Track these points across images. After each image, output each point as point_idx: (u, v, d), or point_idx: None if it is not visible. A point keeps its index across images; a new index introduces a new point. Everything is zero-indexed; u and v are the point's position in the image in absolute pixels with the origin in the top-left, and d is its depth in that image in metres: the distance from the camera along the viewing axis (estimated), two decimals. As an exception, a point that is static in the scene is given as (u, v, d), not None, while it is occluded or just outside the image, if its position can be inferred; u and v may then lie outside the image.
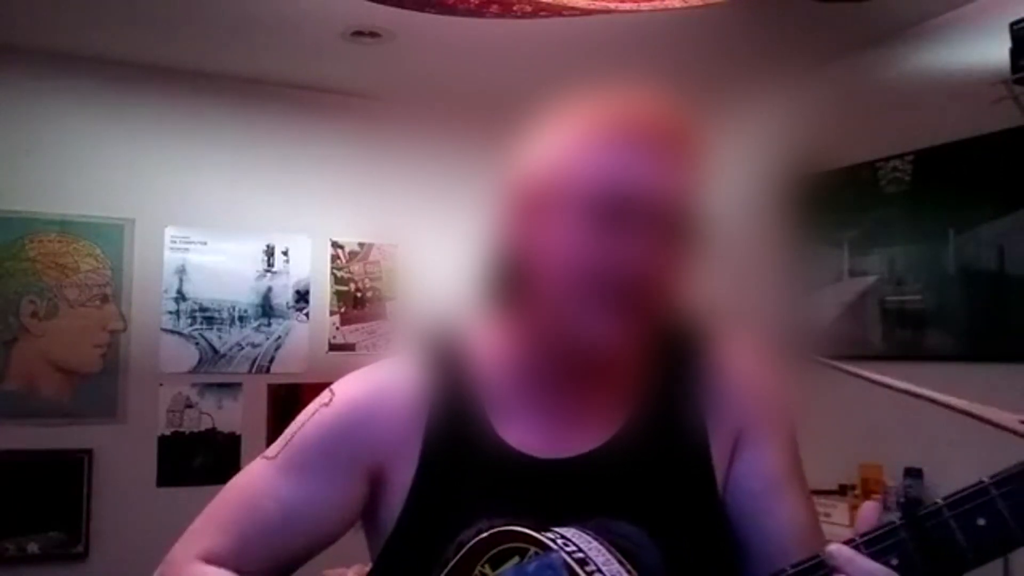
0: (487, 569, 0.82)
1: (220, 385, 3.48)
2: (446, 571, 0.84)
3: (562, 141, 0.91)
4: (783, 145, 3.36)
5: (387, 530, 0.92)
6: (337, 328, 3.71)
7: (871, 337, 3.01)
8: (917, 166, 2.92)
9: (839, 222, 3.14)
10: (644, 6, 2.44)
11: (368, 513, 0.94)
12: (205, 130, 3.54)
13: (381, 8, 2.61)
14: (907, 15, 2.89)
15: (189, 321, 3.44)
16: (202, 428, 3.43)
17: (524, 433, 0.92)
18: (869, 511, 0.77)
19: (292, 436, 0.95)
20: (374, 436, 0.92)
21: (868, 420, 2.77)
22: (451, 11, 2.52)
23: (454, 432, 0.92)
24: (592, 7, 2.40)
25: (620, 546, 0.83)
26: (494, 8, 2.44)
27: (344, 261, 3.76)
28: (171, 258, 3.44)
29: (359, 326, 3.75)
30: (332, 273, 3.73)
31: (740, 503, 0.92)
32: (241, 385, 3.51)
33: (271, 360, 3.57)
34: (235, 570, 0.90)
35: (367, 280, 3.79)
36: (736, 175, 3.31)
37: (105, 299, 3.30)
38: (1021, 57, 2.46)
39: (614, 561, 0.81)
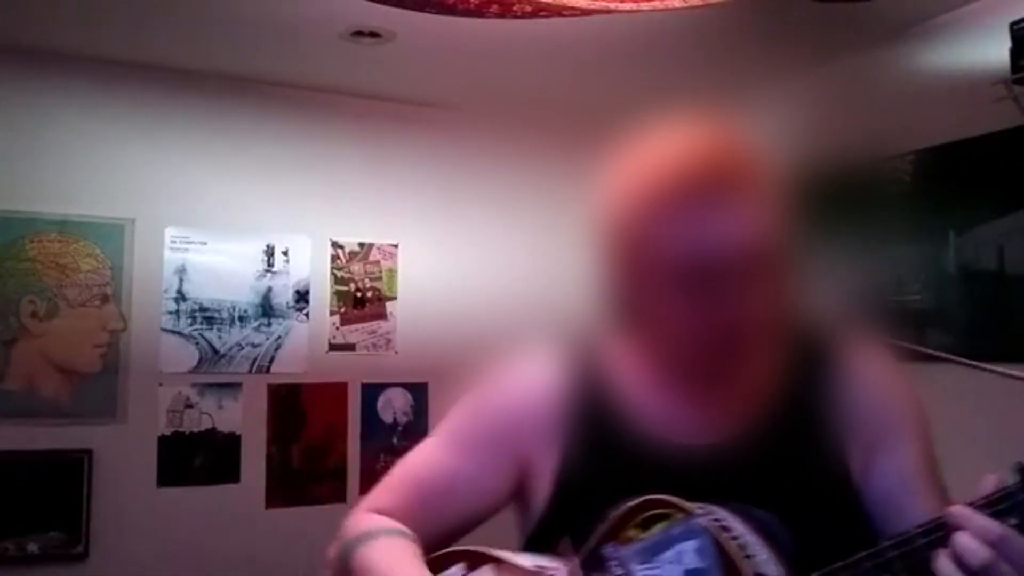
0: (637, 532, 0.89)
1: (220, 385, 3.48)
2: (599, 531, 0.91)
3: (638, 203, 0.92)
4: (783, 145, 3.36)
5: (536, 515, 1.01)
6: (337, 328, 3.71)
7: (871, 337, 3.01)
8: (917, 166, 2.92)
9: (839, 222, 3.14)
10: (644, 6, 2.44)
11: (518, 499, 1.04)
12: (205, 130, 3.54)
13: (381, 8, 2.61)
14: (907, 15, 2.89)
15: (189, 321, 3.44)
16: (202, 428, 3.43)
17: (663, 423, 0.98)
18: (990, 481, 0.80)
19: (455, 417, 1.07)
20: (522, 429, 1.01)
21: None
22: (451, 11, 2.52)
23: (594, 422, 1.00)
24: (592, 7, 2.40)
25: (756, 525, 0.88)
26: (494, 8, 2.44)
27: (344, 261, 3.76)
28: (171, 258, 3.44)
29: (359, 326, 3.75)
30: (332, 273, 3.73)
31: (875, 501, 0.95)
32: (241, 385, 3.51)
33: (271, 360, 3.57)
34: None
35: (367, 280, 3.79)
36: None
37: (105, 299, 3.30)
38: (1021, 57, 2.47)
39: (753, 534, 0.87)
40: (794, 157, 3.25)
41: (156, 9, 2.87)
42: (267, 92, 3.62)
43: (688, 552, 0.85)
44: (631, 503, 0.90)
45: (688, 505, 0.87)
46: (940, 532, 0.79)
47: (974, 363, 1.01)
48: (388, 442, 3.70)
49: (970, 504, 0.78)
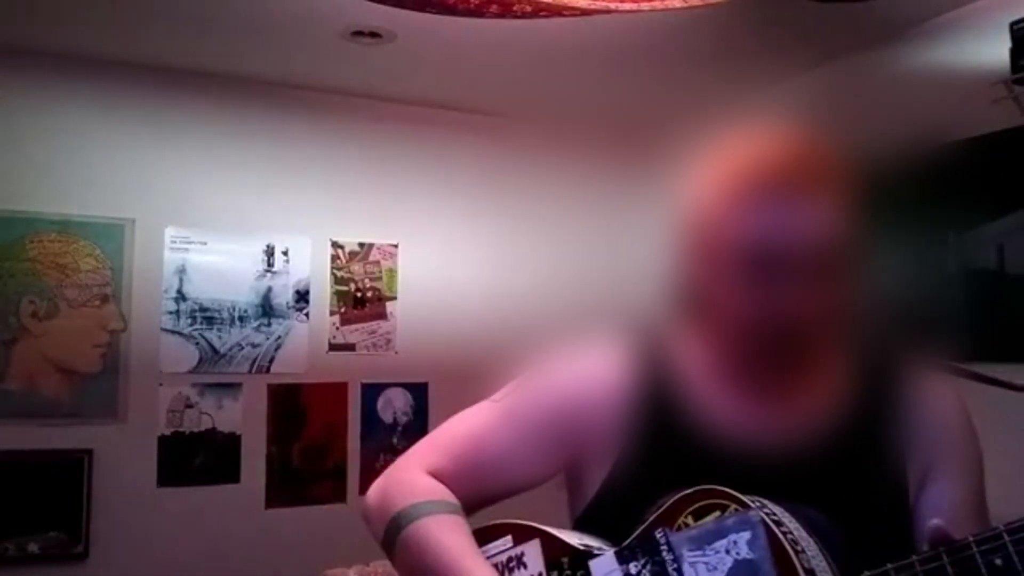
0: (689, 520, 0.91)
1: (220, 385, 3.48)
2: (651, 516, 0.94)
3: (716, 198, 0.98)
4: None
5: (588, 495, 1.04)
6: (337, 328, 3.71)
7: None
8: (917, 166, 2.91)
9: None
10: (644, 6, 2.44)
11: (571, 479, 1.07)
12: (205, 130, 3.54)
13: (381, 8, 2.61)
14: (907, 15, 2.89)
15: (189, 321, 3.44)
16: (202, 428, 3.43)
17: (725, 421, 1.00)
18: None
19: (518, 389, 1.09)
20: (583, 415, 1.04)
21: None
22: (451, 11, 2.52)
23: (657, 416, 1.02)
24: (592, 7, 2.40)
25: (808, 525, 0.89)
26: (494, 8, 2.44)
27: (344, 261, 3.76)
28: (171, 258, 3.44)
29: (359, 326, 3.75)
30: (332, 273, 3.73)
31: (919, 527, 0.96)
32: (241, 385, 3.51)
33: (271, 360, 3.57)
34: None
35: (367, 280, 3.79)
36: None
37: (105, 299, 3.31)
38: (1021, 57, 2.47)
39: (805, 531, 0.88)
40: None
41: (156, 9, 2.87)
42: (267, 92, 3.62)
43: (740, 543, 0.87)
44: (686, 491, 0.92)
45: (743, 497, 0.89)
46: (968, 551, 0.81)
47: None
48: (388, 442, 3.70)
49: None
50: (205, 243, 3.50)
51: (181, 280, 3.44)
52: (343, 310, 3.73)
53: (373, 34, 3.06)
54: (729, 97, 3.43)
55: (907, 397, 1.01)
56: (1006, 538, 0.79)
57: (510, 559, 1.01)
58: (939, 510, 0.96)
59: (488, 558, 1.00)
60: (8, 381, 3.15)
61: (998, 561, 0.79)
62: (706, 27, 2.87)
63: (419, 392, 3.77)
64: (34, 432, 3.15)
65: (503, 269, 3.97)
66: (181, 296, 3.44)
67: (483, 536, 1.02)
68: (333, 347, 3.69)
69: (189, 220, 3.47)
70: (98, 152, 3.35)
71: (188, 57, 3.34)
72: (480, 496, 1.06)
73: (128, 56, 3.32)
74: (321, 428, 3.62)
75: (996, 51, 2.56)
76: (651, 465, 0.99)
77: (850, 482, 0.97)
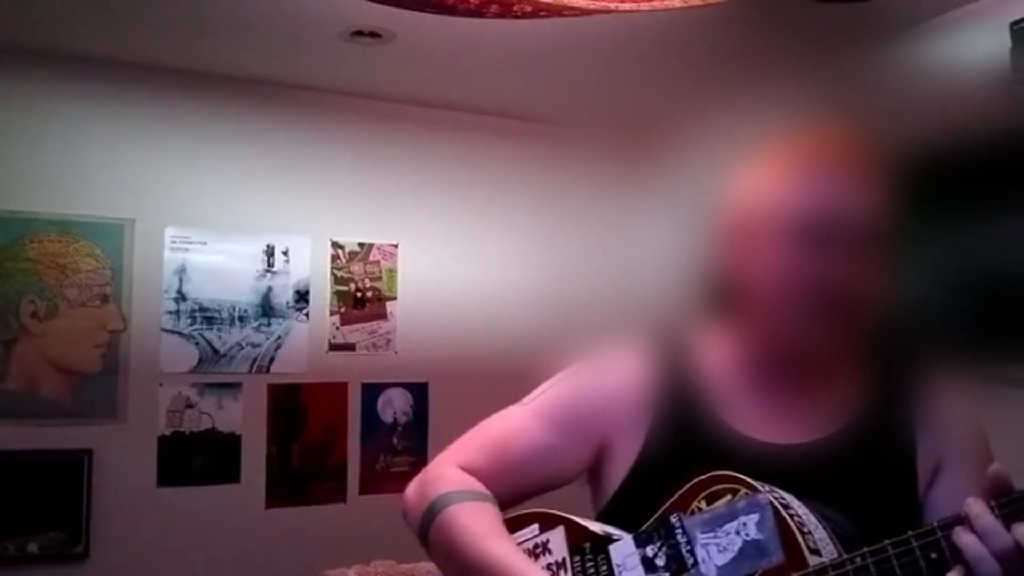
0: (702, 503, 0.96)
1: (220, 385, 3.48)
2: (670, 501, 0.98)
3: (767, 175, 1.06)
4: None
5: (610, 492, 1.09)
6: (337, 328, 3.71)
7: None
8: (917, 166, 2.91)
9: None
10: (644, 6, 2.44)
11: (595, 475, 1.12)
12: (205, 130, 3.54)
13: (381, 8, 2.61)
14: (907, 15, 2.89)
15: (189, 321, 3.44)
16: (202, 428, 3.43)
17: (745, 419, 1.04)
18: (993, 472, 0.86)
19: (546, 391, 1.15)
20: (608, 413, 1.09)
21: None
22: (451, 11, 2.52)
23: (678, 413, 1.07)
24: (592, 7, 2.40)
25: (817, 512, 0.93)
26: (494, 8, 2.44)
27: (344, 261, 3.76)
28: (171, 258, 3.44)
29: (359, 326, 3.75)
30: (332, 273, 3.73)
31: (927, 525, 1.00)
32: (241, 385, 3.51)
33: (271, 360, 3.57)
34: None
35: (367, 280, 3.79)
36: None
37: (105, 299, 3.30)
38: (1021, 57, 2.46)
39: (814, 516, 0.92)
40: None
41: (156, 9, 2.87)
42: (267, 92, 3.62)
43: (750, 524, 0.91)
44: (699, 478, 0.96)
45: (753, 483, 0.93)
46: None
47: None
48: (388, 442, 3.71)
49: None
50: (205, 243, 3.50)
51: (181, 280, 3.44)
52: (343, 310, 3.73)
53: (373, 34, 3.06)
54: (729, 97, 3.43)
55: (921, 399, 1.05)
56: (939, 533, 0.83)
57: (536, 546, 1.06)
58: (949, 506, 0.97)
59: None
60: (8, 381, 3.15)
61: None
62: (706, 27, 2.87)
63: (419, 392, 3.77)
64: (34, 432, 3.15)
65: (503, 269, 3.97)
66: (181, 296, 3.44)
67: (512, 525, 1.07)
68: (333, 347, 3.69)
69: (189, 220, 3.47)
70: (98, 152, 3.35)
71: (188, 57, 3.34)
72: (513, 492, 1.10)
73: (128, 56, 3.32)
74: (321, 428, 3.62)
75: (996, 51, 2.56)
76: (672, 463, 1.03)
77: (863, 482, 1.00)
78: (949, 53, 2.85)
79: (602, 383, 1.12)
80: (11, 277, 3.17)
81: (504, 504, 1.09)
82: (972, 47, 2.76)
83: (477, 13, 2.49)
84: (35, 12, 2.91)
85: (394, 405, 3.76)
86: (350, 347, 3.72)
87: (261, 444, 3.51)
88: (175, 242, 3.45)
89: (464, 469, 1.10)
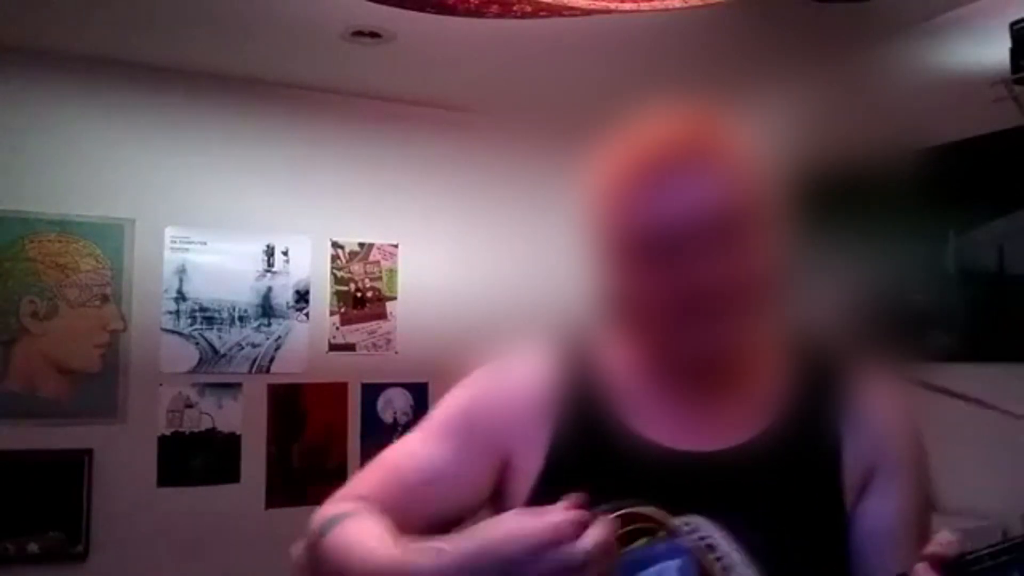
0: (617, 545, 0.85)
1: (220, 385, 3.48)
2: None
3: (612, 184, 0.95)
4: (782, 145, 3.36)
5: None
6: (337, 328, 3.71)
7: (872, 338, 3.01)
8: (917, 166, 2.91)
9: (839, 222, 3.14)
10: (644, 6, 2.44)
11: (497, 498, 0.99)
12: (205, 130, 3.54)
13: (381, 8, 2.61)
14: (907, 15, 2.89)
15: (189, 321, 3.44)
16: (202, 428, 3.43)
17: (656, 426, 0.95)
18: (943, 537, 0.77)
19: (441, 411, 1.04)
20: (507, 424, 0.98)
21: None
22: (451, 11, 2.52)
23: (584, 423, 0.96)
24: (592, 7, 2.40)
25: (744, 542, 0.85)
26: (494, 8, 2.44)
27: (344, 261, 3.76)
28: (171, 258, 3.44)
29: (359, 326, 3.75)
30: (332, 273, 3.73)
31: (859, 539, 0.93)
32: (241, 385, 3.51)
33: (271, 360, 3.57)
34: None
35: (367, 280, 3.79)
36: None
37: (105, 299, 3.30)
38: (1021, 57, 2.46)
39: (738, 552, 0.84)
40: (794, 157, 3.26)
41: (156, 9, 2.87)
42: (267, 92, 3.62)
43: (670, 571, 0.83)
44: (613, 515, 0.86)
45: (672, 522, 0.85)
46: None
47: (982, 402, 1.00)
48: (388, 442, 3.63)
49: (961, 556, 0.74)
50: (205, 243, 3.50)
51: (181, 280, 3.44)
52: (343, 310, 3.73)
53: (373, 34, 3.06)
54: (729, 97, 3.43)
55: (849, 402, 0.96)
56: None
57: None
58: (875, 524, 0.93)
59: None
60: (8, 381, 3.15)
61: None
62: (706, 27, 2.87)
63: (419, 392, 3.77)
64: (34, 432, 3.15)
65: (504, 269, 3.97)
66: (181, 296, 3.44)
67: None
68: (333, 347, 3.69)
69: (189, 220, 3.47)
70: (98, 152, 3.35)
71: (188, 57, 3.34)
72: (419, 524, 0.96)
73: (128, 56, 3.32)
74: (321, 428, 3.62)
75: (996, 51, 2.56)
76: (578, 477, 0.91)
77: (786, 494, 0.92)
78: (949, 53, 2.85)
79: (500, 391, 1.01)
80: (11, 277, 3.17)
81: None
82: (972, 47, 2.76)
83: (477, 13, 2.49)
84: (36, 12, 2.91)
85: (394, 405, 3.76)
86: (350, 347, 3.72)
87: (261, 444, 3.51)
88: (175, 242, 3.45)
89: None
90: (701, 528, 0.86)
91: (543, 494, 0.92)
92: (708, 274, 0.87)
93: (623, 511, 0.85)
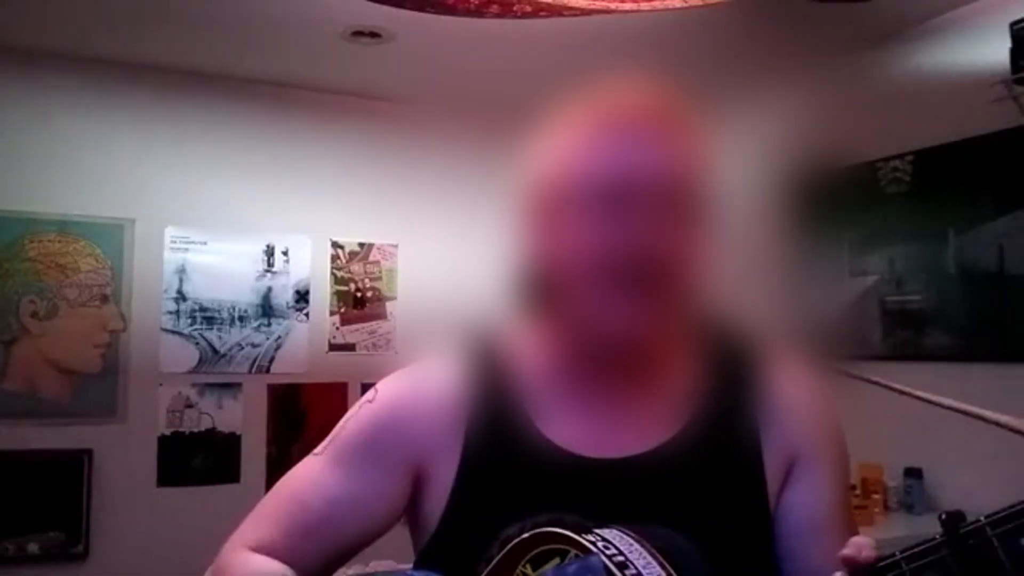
0: (528, 569, 0.82)
1: (220, 385, 3.48)
2: (488, 569, 0.85)
3: (561, 140, 0.94)
4: (782, 145, 3.36)
5: (430, 527, 0.92)
6: (337, 328, 3.71)
7: (871, 337, 3.01)
8: (917, 166, 2.92)
9: (839, 222, 3.14)
10: (644, 6, 2.44)
11: (411, 510, 0.95)
12: (205, 130, 3.54)
13: (381, 8, 2.61)
14: (907, 15, 2.89)
15: (189, 321, 3.44)
16: (202, 428, 3.43)
17: (570, 432, 0.91)
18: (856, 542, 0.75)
19: (337, 433, 0.97)
20: (416, 433, 0.93)
21: (867, 420, 2.77)
22: (451, 11, 2.52)
23: (496, 430, 0.92)
24: (592, 7, 2.40)
25: (663, 550, 0.82)
26: (494, 8, 2.44)
27: (344, 261, 3.76)
28: (171, 258, 3.44)
29: (359, 326, 3.75)
30: (332, 273, 3.73)
31: (783, 534, 0.92)
32: (241, 385, 3.51)
33: (271, 360, 3.57)
34: (284, 562, 0.91)
35: (367, 280, 3.79)
36: (735, 175, 3.31)
37: (105, 299, 3.31)
38: (1021, 57, 2.47)
39: (655, 564, 0.81)
40: (794, 157, 3.26)
41: (156, 9, 2.87)
42: (267, 92, 3.62)
43: None
44: (523, 535, 0.83)
45: (583, 540, 0.81)
46: None
47: (897, 387, 0.96)
48: (388, 442, 3.70)
49: (890, 557, 0.72)
50: (205, 243, 3.50)
51: (181, 280, 3.45)
52: (343, 310, 3.73)
53: (373, 34, 3.06)
54: (729, 97, 3.43)
55: (765, 395, 0.94)
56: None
57: None
58: (798, 516, 0.92)
59: None
60: (8, 381, 3.15)
61: None
62: (706, 27, 2.87)
63: (419, 392, 3.77)
64: (34, 432, 3.15)
65: (504, 269, 3.96)
66: (181, 296, 3.44)
67: None
68: (333, 347, 3.69)
69: (189, 220, 3.48)
70: (98, 152, 3.35)
71: (188, 57, 3.34)
72: (324, 559, 0.93)
73: (128, 56, 3.32)
74: (321, 428, 3.61)
75: (996, 51, 2.56)
76: (494, 490, 0.90)
77: (707, 496, 0.89)
78: (949, 53, 2.85)
79: (408, 399, 0.95)
80: (11, 277, 3.17)
81: (318, 573, 0.94)
82: (972, 47, 2.76)
83: (477, 13, 2.50)
84: (36, 13, 2.91)
85: (394, 405, 3.76)
86: (350, 347, 3.72)
87: (261, 444, 3.51)
88: (175, 242, 3.45)
89: (258, 549, 0.94)
90: (614, 543, 0.82)
91: (458, 503, 0.90)
92: (648, 240, 0.85)
93: (532, 532, 0.83)
